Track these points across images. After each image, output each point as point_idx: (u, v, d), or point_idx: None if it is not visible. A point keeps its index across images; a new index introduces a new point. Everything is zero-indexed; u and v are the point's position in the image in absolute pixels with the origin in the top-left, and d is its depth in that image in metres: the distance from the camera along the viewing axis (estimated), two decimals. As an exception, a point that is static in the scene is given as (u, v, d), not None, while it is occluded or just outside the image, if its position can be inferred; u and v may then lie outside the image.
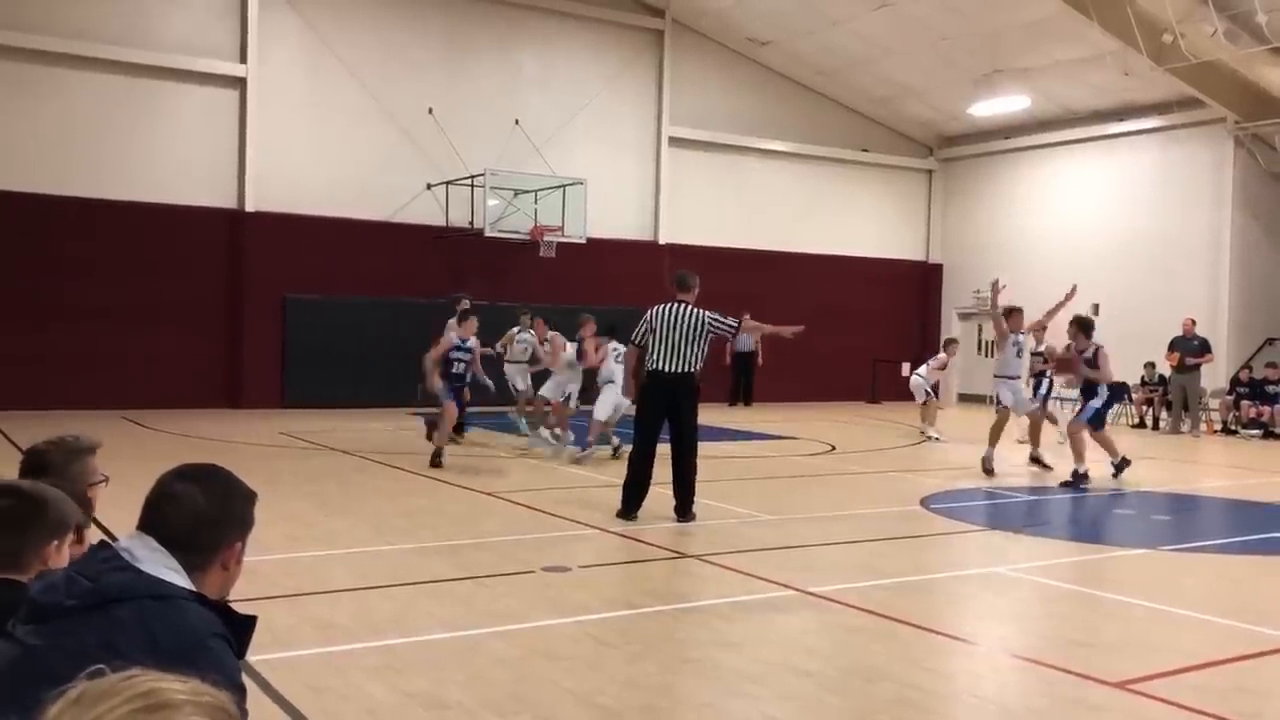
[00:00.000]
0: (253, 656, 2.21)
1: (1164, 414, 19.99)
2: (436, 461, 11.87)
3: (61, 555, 2.62)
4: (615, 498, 10.21)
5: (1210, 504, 11.56)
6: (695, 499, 9.11)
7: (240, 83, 18.84)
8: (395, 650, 5.31)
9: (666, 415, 9.10)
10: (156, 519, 2.20)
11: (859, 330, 24.94)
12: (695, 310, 9.12)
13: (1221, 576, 7.83)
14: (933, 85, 23.50)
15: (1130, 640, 5.93)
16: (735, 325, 9.35)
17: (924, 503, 10.44)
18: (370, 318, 19.11)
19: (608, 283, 21.40)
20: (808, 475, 12.61)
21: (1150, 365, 20.19)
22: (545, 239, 19.82)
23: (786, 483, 11.97)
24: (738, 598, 6.73)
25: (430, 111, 20.24)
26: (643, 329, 9.24)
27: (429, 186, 20.35)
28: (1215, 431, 19.33)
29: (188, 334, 18.46)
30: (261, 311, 18.92)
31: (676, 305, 9.15)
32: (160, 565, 2.12)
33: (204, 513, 2.22)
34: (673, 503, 9.14)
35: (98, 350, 17.58)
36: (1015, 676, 5.38)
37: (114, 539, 2.24)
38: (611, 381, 12.93)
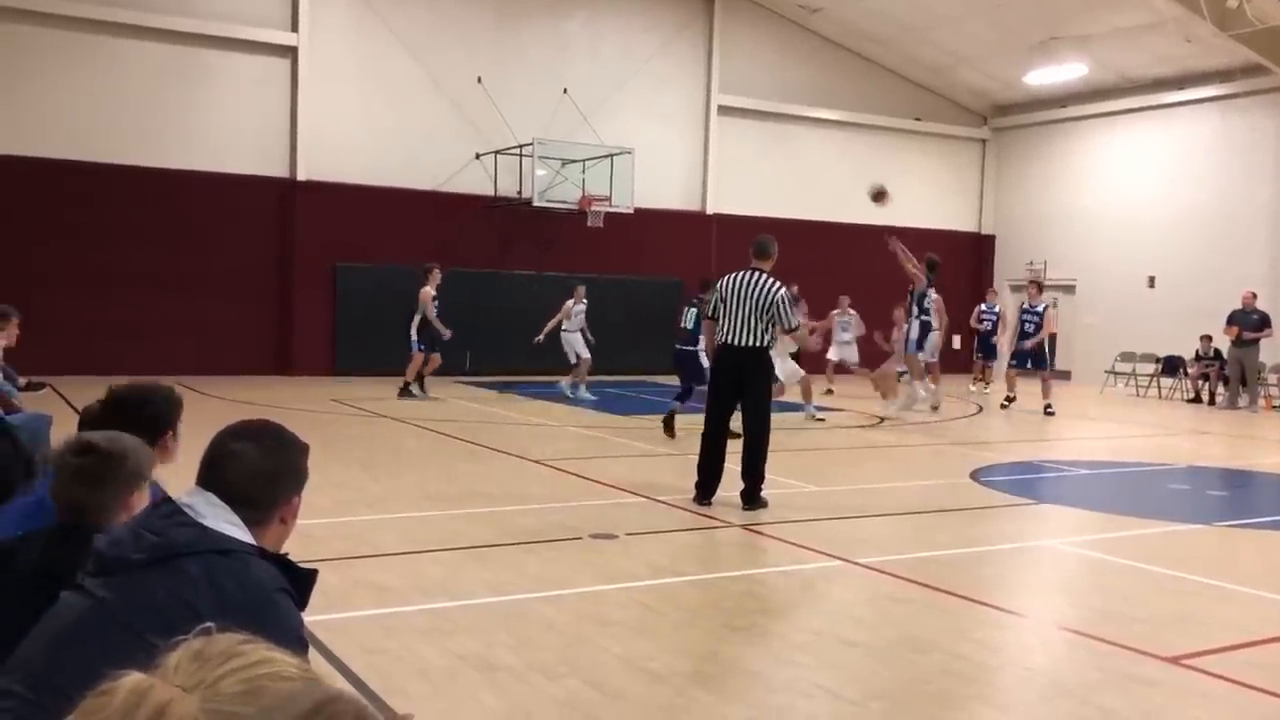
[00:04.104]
0: (307, 617, 2.24)
1: (1220, 389, 19.63)
2: (406, 392, 15.61)
3: (143, 499, 2.70)
4: (662, 467, 10.25)
5: (1267, 480, 11.35)
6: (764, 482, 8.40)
7: (291, 51, 18.94)
8: (445, 613, 5.37)
9: (736, 393, 8.51)
10: (216, 476, 2.23)
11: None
12: (770, 282, 8.48)
13: (1278, 553, 7.70)
14: (987, 53, 23.08)
15: (1184, 615, 5.86)
16: (796, 326, 8.79)
17: (974, 475, 10.35)
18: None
19: (655, 253, 21.35)
20: (855, 447, 12.55)
21: (1207, 338, 19.82)
22: (593, 209, 19.79)
23: (834, 454, 11.93)
24: (785, 567, 6.73)
25: (479, 80, 20.24)
26: (714, 299, 8.62)
27: (478, 156, 20.38)
28: (1274, 407, 18.95)
29: (239, 301, 18.69)
30: (312, 280, 19.11)
31: (750, 274, 8.54)
32: (223, 520, 2.15)
33: (261, 468, 2.25)
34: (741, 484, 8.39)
35: (151, 317, 17.85)
36: (1066, 650, 5.33)
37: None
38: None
